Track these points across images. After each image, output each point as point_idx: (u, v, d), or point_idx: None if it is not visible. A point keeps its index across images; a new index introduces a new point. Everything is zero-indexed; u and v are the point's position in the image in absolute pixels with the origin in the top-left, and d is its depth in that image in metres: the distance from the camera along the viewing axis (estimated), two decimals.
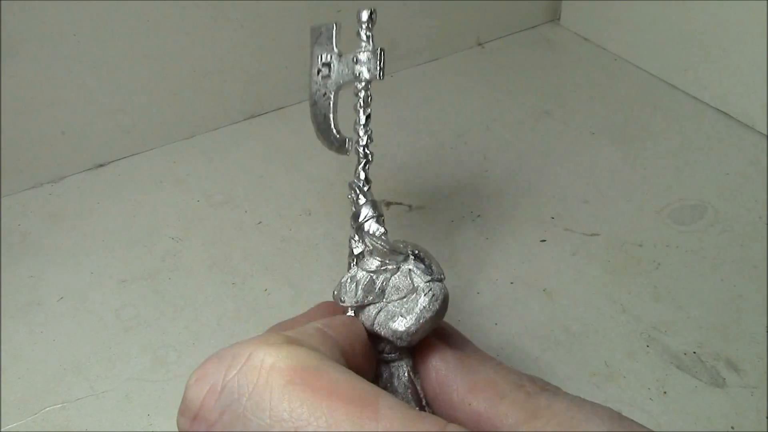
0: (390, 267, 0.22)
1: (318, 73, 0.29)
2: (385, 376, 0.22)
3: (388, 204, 0.44)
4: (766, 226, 0.42)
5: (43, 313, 0.38)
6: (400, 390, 0.22)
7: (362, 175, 0.26)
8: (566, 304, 0.38)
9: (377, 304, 0.22)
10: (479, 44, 0.60)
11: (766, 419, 0.32)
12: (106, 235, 0.43)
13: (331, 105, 0.29)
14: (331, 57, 0.29)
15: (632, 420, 0.18)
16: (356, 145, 0.27)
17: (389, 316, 0.21)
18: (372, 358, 0.21)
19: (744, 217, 0.42)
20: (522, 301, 0.38)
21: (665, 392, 0.33)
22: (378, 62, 0.28)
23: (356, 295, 0.22)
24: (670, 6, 0.52)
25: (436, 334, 0.22)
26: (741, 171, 0.46)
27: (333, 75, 0.28)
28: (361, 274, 0.22)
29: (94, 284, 0.40)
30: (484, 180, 0.46)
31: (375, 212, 0.25)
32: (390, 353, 0.22)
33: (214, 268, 0.40)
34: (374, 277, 0.22)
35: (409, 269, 0.22)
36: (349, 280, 0.22)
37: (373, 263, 0.22)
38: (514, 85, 0.55)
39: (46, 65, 0.43)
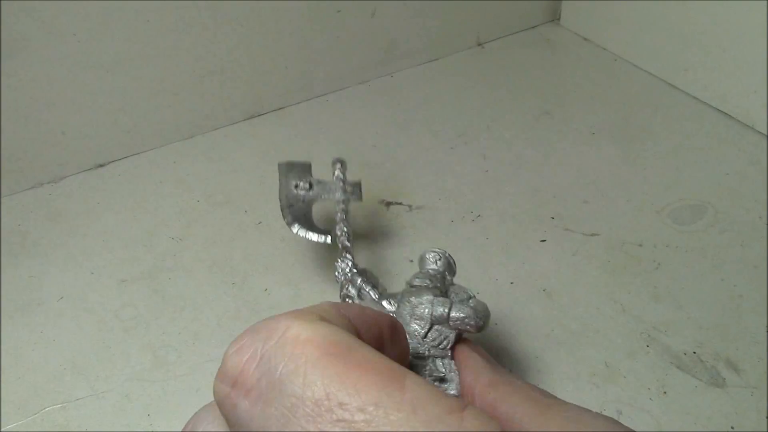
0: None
1: (296, 187, 0.36)
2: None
3: (388, 204, 0.44)
4: (766, 226, 0.42)
5: (43, 313, 0.38)
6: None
7: (349, 264, 0.33)
8: (566, 304, 0.38)
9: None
10: (479, 44, 0.60)
11: (766, 419, 0.32)
12: (106, 235, 0.43)
13: (311, 210, 0.36)
14: (309, 182, 0.37)
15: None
16: (338, 239, 0.34)
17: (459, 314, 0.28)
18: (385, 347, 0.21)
19: (744, 217, 0.42)
20: (522, 301, 0.38)
21: (665, 392, 0.33)
22: (357, 189, 0.37)
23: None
24: (670, 6, 0.52)
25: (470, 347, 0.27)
26: (741, 171, 0.46)
27: (312, 192, 0.36)
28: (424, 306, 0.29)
29: (94, 284, 0.40)
30: (484, 180, 0.46)
31: (375, 285, 0.33)
32: (426, 350, 0.28)
33: (214, 268, 0.40)
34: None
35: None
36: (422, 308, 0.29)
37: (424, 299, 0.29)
38: (514, 85, 0.55)
39: (46, 65, 0.43)
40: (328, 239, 0.35)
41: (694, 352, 0.35)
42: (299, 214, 0.35)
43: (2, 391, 0.34)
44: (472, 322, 0.28)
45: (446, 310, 0.28)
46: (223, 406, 0.18)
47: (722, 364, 0.34)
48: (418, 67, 0.57)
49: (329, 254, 0.41)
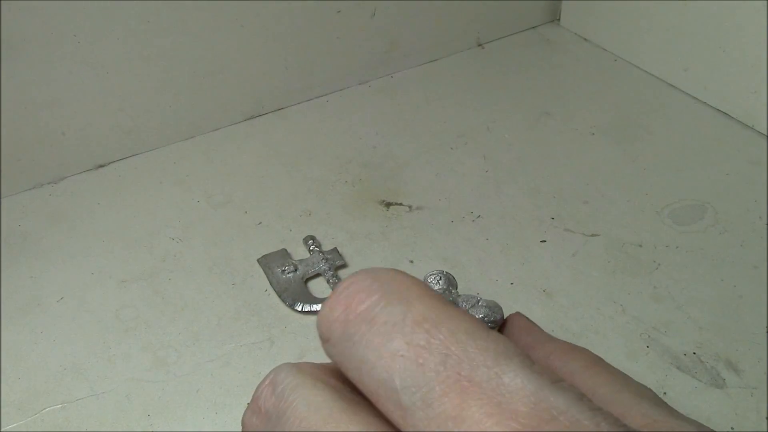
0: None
1: (283, 272, 0.39)
2: None
3: (388, 204, 0.44)
4: (766, 226, 0.42)
5: (43, 314, 0.38)
6: None
7: None
8: (566, 305, 0.38)
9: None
10: (479, 45, 0.60)
11: (766, 420, 0.32)
12: (106, 235, 0.43)
13: (306, 286, 0.39)
14: (292, 265, 0.40)
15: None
16: None
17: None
18: None
19: (744, 217, 0.42)
20: (522, 301, 0.38)
21: (665, 393, 0.33)
22: (336, 254, 0.40)
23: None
24: (670, 6, 0.52)
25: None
26: (741, 171, 0.46)
27: (299, 272, 0.39)
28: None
29: (94, 284, 0.40)
30: (484, 180, 0.46)
31: None
32: None
33: (214, 269, 0.40)
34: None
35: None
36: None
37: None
38: (514, 86, 0.55)
39: (46, 65, 0.43)
40: None
41: (694, 353, 0.35)
42: (296, 293, 0.38)
43: (2, 391, 0.34)
44: (491, 319, 0.31)
45: None
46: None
47: (722, 365, 0.34)
48: (418, 67, 0.57)
49: None
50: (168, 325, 0.37)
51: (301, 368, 0.18)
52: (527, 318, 0.30)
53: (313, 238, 0.41)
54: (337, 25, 0.52)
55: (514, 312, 0.31)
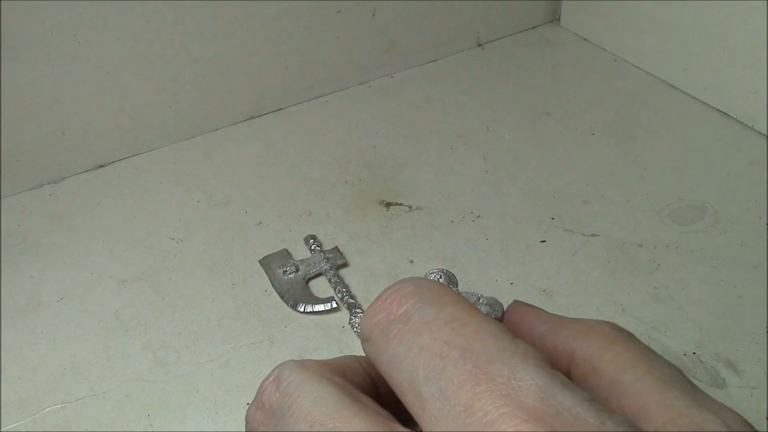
0: None
1: (284, 273, 0.39)
2: None
3: (388, 204, 0.44)
4: (766, 226, 0.42)
5: (43, 313, 0.38)
6: None
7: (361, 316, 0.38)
8: (566, 305, 0.38)
9: None
10: (479, 45, 0.60)
11: (766, 420, 0.32)
12: (106, 235, 0.43)
13: (307, 287, 0.39)
14: (294, 265, 0.40)
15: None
16: (342, 301, 0.38)
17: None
18: None
19: (744, 217, 0.42)
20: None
21: None
22: (337, 253, 0.40)
23: None
24: (670, 6, 0.52)
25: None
26: (741, 171, 0.46)
27: (300, 272, 0.39)
28: None
29: (94, 284, 0.40)
30: (484, 180, 0.46)
31: None
32: None
33: (214, 269, 0.40)
34: None
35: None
36: None
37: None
38: (514, 86, 0.55)
39: (46, 65, 0.43)
40: (334, 303, 0.38)
41: (694, 353, 0.35)
42: (298, 294, 0.38)
43: (2, 391, 0.34)
44: (493, 316, 0.33)
45: None
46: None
47: (722, 365, 0.34)
48: (418, 67, 0.57)
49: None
50: (168, 325, 0.37)
51: (306, 365, 0.18)
52: (527, 304, 0.29)
53: (314, 237, 0.41)
54: (337, 25, 0.52)
55: (512, 303, 0.31)
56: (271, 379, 0.18)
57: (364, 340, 0.18)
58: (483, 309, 0.33)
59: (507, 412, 0.14)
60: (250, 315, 0.38)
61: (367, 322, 0.18)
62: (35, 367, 0.35)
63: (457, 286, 0.35)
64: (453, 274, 0.35)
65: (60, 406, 0.34)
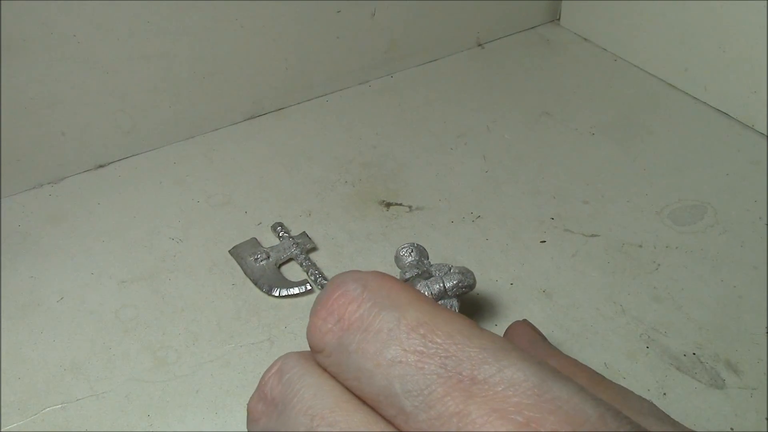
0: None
1: (256, 261, 0.40)
2: None
3: (388, 204, 0.44)
4: (766, 226, 0.42)
5: (43, 313, 0.38)
6: None
7: None
8: (566, 305, 0.38)
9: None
10: (479, 45, 0.60)
11: (765, 420, 0.32)
12: (106, 235, 0.43)
13: (279, 272, 0.40)
14: (264, 252, 0.40)
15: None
16: (316, 283, 0.39)
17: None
18: None
19: (744, 217, 0.42)
20: (521, 301, 0.38)
21: (665, 393, 0.33)
22: (305, 238, 0.41)
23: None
24: (670, 6, 0.52)
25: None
26: (741, 171, 0.46)
27: (271, 259, 0.40)
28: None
29: (94, 284, 0.40)
30: (484, 180, 0.46)
31: None
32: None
33: (214, 269, 0.40)
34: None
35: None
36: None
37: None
38: (514, 86, 0.55)
39: (46, 65, 0.43)
40: (308, 286, 0.38)
41: (694, 354, 0.35)
42: (272, 280, 0.39)
43: (2, 391, 0.34)
44: (465, 283, 0.34)
45: (442, 285, 0.33)
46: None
47: (722, 366, 0.34)
48: (418, 67, 0.57)
49: (329, 253, 0.41)
50: (168, 325, 0.37)
51: (308, 357, 0.18)
52: (533, 326, 0.31)
53: (281, 224, 0.42)
54: (337, 25, 0.52)
55: (520, 320, 0.32)
56: (273, 371, 0.18)
57: (317, 351, 0.17)
58: (455, 278, 0.33)
59: (504, 415, 0.14)
60: (250, 315, 0.38)
61: (315, 330, 0.17)
62: (35, 367, 0.35)
63: (428, 258, 0.36)
64: (423, 248, 0.36)
65: (60, 406, 0.34)
